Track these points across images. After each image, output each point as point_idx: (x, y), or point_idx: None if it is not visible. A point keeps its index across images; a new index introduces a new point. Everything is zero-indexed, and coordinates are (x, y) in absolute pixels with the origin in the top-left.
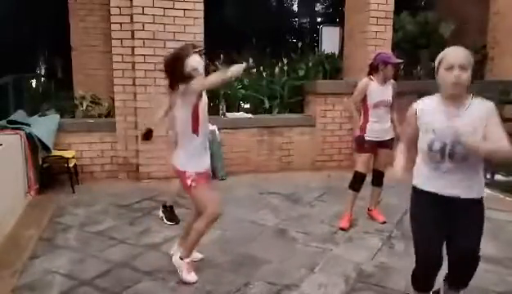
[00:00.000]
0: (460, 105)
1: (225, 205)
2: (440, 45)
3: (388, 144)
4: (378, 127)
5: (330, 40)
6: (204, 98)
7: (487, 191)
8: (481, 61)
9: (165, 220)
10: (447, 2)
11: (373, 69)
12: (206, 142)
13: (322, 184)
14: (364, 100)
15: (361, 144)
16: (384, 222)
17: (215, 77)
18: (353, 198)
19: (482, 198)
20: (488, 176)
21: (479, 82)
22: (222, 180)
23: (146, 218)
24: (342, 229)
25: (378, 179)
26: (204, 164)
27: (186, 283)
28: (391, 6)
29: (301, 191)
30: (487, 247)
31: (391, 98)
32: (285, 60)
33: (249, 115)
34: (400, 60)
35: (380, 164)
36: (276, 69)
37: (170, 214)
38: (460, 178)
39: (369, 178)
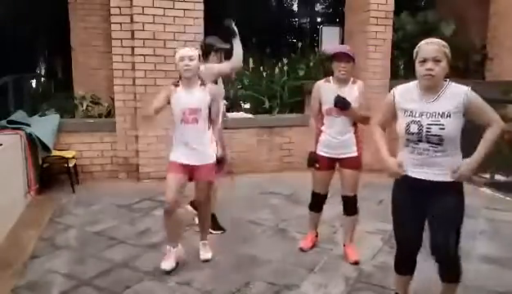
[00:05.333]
0: (436, 91)
1: (225, 205)
2: None
3: (351, 164)
4: (326, 139)
5: (330, 40)
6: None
7: (486, 191)
8: (481, 61)
9: (212, 231)
10: (447, 2)
11: None
12: (185, 138)
13: None
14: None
15: (314, 161)
16: (357, 263)
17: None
18: (313, 218)
19: (458, 183)
20: (488, 176)
21: (479, 82)
22: None
23: (146, 218)
24: (301, 249)
25: (348, 206)
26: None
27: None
28: (391, 6)
29: (301, 191)
30: (487, 246)
31: (354, 104)
32: (285, 60)
33: (249, 115)
34: (341, 50)
35: (347, 188)
36: (276, 69)
37: (215, 223)
38: (437, 161)
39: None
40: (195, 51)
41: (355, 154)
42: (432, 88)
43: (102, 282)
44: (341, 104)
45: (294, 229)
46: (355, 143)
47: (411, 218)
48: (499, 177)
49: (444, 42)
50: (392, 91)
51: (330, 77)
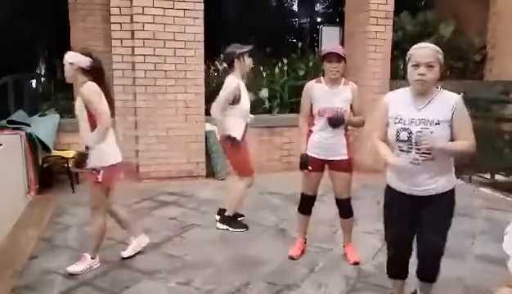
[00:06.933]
0: (426, 97)
1: (225, 205)
2: (440, 45)
3: (342, 167)
4: (318, 140)
5: (330, 40)
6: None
7: (487, 191)
8: (481, 61)
9: (233, 229)
10: (447, 2)
11: None
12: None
13: (322, 185)
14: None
15: (307, 164)
16: (357, 263)
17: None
18: (303, 222)
19: (449, 190)
20: (488, 177)
21: (479, 82)
22: (222, 180)
23: (146, 218)
24: (291, 257)
25: (343, 210)
26: None
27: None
28: (391, 6)
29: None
30: (487, 246)
31: (346, 107)
32: (285, 60)
33: (249, 115)
34: (333, 50)
35: (340, 191)
36: (276, 69)
37: (235, 221)
38: (427, 169)
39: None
40: (67, 56)
41: (345, 157)
42: (423, 94)
43: (102, 283)
44: (335, 123)
45: (294, 229)
46: (346, 145)
47: (401, 226)
48: (499, 177)
49: (437, 47)
50: (383, 98)
51: (321, 78)
